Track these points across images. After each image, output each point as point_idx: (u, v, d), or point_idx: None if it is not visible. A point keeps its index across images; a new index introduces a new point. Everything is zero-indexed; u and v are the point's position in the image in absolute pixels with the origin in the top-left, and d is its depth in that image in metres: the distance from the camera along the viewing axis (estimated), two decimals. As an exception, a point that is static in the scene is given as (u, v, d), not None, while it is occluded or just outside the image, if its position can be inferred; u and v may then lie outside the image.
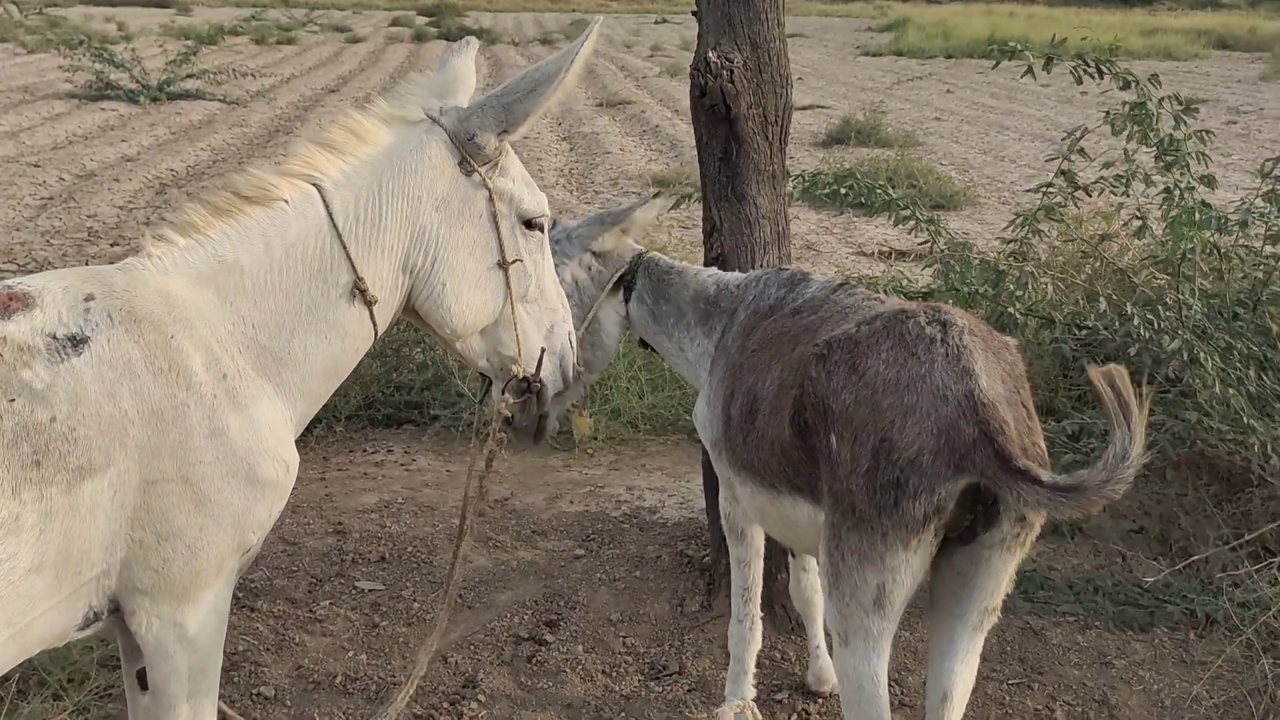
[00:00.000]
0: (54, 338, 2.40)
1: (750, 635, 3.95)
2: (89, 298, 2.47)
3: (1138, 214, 5.81)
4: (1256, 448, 4.68)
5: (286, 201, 2.69)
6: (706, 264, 4.56)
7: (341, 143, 2.78)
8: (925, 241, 6.26)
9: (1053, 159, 5.95)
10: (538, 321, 3.02)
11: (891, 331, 2.92)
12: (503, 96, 2.84)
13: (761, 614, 4.00)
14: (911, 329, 2.89)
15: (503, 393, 3.04)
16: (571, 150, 17.67)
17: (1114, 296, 5.61)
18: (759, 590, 3.99)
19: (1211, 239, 5.29)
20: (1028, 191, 6.94)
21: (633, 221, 4.10)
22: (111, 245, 10.93)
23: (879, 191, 6.29)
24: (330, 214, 2.70)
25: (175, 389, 2.47)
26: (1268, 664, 4.18)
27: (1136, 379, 5.43)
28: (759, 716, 3.75)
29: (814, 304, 3.47)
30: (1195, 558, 4.75)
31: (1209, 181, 5.38)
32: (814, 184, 6.38)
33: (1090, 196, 6.05)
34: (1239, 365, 4.98)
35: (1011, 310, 5.67)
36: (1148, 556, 5.11)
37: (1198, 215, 5.15)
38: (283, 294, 2.66)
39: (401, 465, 6.33)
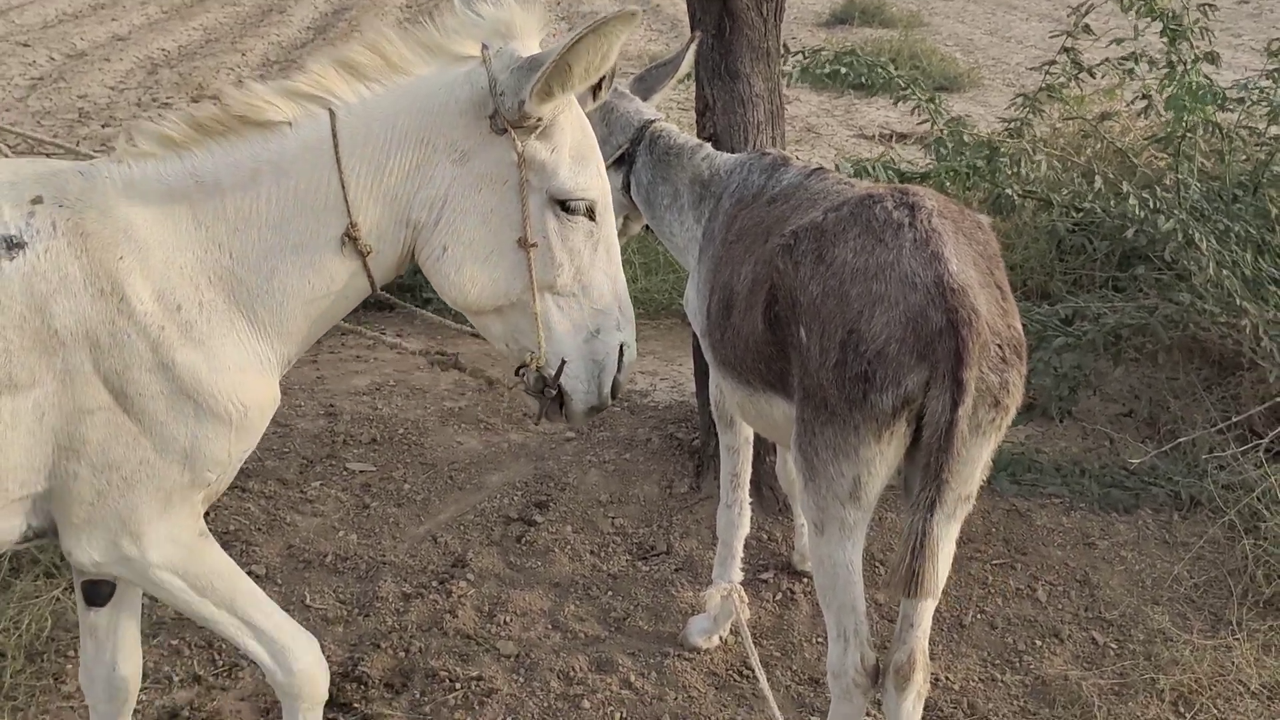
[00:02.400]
0: None
1: (738, 520, 3.97)
2: (36, 199, 2.30)
3: (1142, 93, 5.70)
4: (1249, 330, 4.65)
5: (289, 124, 2.40)
6: (698, 145, 4.48)
7: (366, 65, 2.43)
8: (924, 121, 6.16)
9: (1057, 36, 5.82)
10: (574, 320, 2.57)
11: (859, 218, 2.82)
12: (533, 60, 2.39)
13: (750, 498, 4.02)
14: (879, 214, 2.79)
15: (517, 373, 2.63)
16: (570, 29, 17.28)
17: (1111, 176, 5.52)
18: (747, 476, 3.99)
19: (1212, 117, 5.19)
20: (1031, 70, 6.77)
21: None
22: (103, 126, 10.79)
23: (879, 70, 6.18)
24: (336, 145, 2.39)
25: (116, 315, 2.29)
26: (1249, 545, 4.22)
27: (1131, 262, 5.40)
28: (745, 599, 3.80)
29: (788, 191, 3.37)
30: (1182, 440, 4.77)
31: (1212, 58, 5.27)
32: (814, 62, 6.26)
33: (1095, 78, 5.93)
34: (1236, 248, 4.93)
35: (1009, 191, 5.60)
36: (1135, 440, 5.12)
37: (1197, 91, 5.04)
38: (269, 226, 2.41)
39: (394, 349, 6.33)
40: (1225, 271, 4.74)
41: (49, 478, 2.34)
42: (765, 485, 4.60)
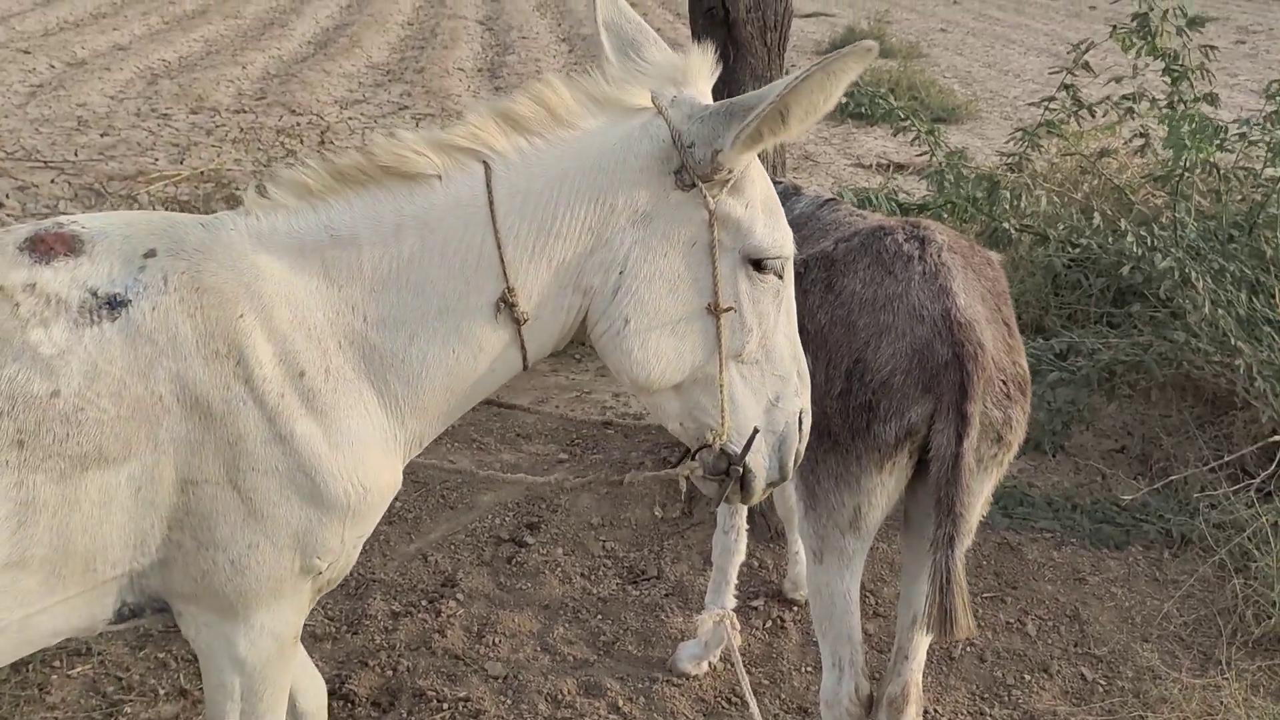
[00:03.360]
0: (93, 294, 2.01)
1: (734, 546, 3.97)
2: (150, 253, 2.06)
3: (1140, 131, 5.74)
4: (1242, 370, 4.67)
5: (439, 178, 2.17)
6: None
7: (528, 118, 2.19)
8: (924, 153, 6.19)
9: (1056, 73, 5.86)
10: (755, 389, 2.30)
11: (869, 249, 2.83)
12: (732, 106, 2.14)
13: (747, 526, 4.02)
14: (889, 246, 2.81)
15: (692, 456, 2.35)
16: (570, 51, 17.39)
17: (1109, 212, 5.56)
18: None
19: (1210, 156, 5.23)
20: (1030, 105, 6.83)
21: None
22: (101, 135, 10.78)
23: (880, 101, 6.21)
24: (491, 202, 2.15)
25: (232, 380, 2.04)
26: (1239, 584, 4.22)
27: (1127, 299, 5.42)
28: (737, 626, 3.79)
29: (799, 221, 3.36)
30: (1174, 478, 4.78)
31: (1211, 99, 5.31)
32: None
33: (1094, 116, 5.97)
34: (1231, 287, 4.96)
35: (1006, 225, 5.63)
36: (1128, 476, 5.13)
37: (1198, 130, 5.07)
38: (410, 288, 2.16)
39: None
40: (1220, 311, 4.76)
41: (153, 550, 2.10)
42: (758, 512, 4.59)
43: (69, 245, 2.05)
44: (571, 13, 20.94)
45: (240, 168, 9.63)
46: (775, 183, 3.67)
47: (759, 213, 2.24)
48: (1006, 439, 2.78)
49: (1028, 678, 3.97)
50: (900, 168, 10.72)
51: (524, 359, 2.26)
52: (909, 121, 5.91)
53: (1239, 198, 5.70)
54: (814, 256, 2.94)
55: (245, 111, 12.12)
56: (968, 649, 4.10)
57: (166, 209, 7.86)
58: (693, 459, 2.34)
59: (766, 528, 4.62)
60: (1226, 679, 3.83)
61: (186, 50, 15.83)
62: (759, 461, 2.33)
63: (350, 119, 11.97)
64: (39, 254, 2.03)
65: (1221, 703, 3.74)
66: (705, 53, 2.28)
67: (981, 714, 3.80)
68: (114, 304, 2.01)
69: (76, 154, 10.00)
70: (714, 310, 2.21)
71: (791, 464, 2.38)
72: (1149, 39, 5.19)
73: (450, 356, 2.20)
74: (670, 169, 2.17)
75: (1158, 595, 4.40)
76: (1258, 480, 4.59)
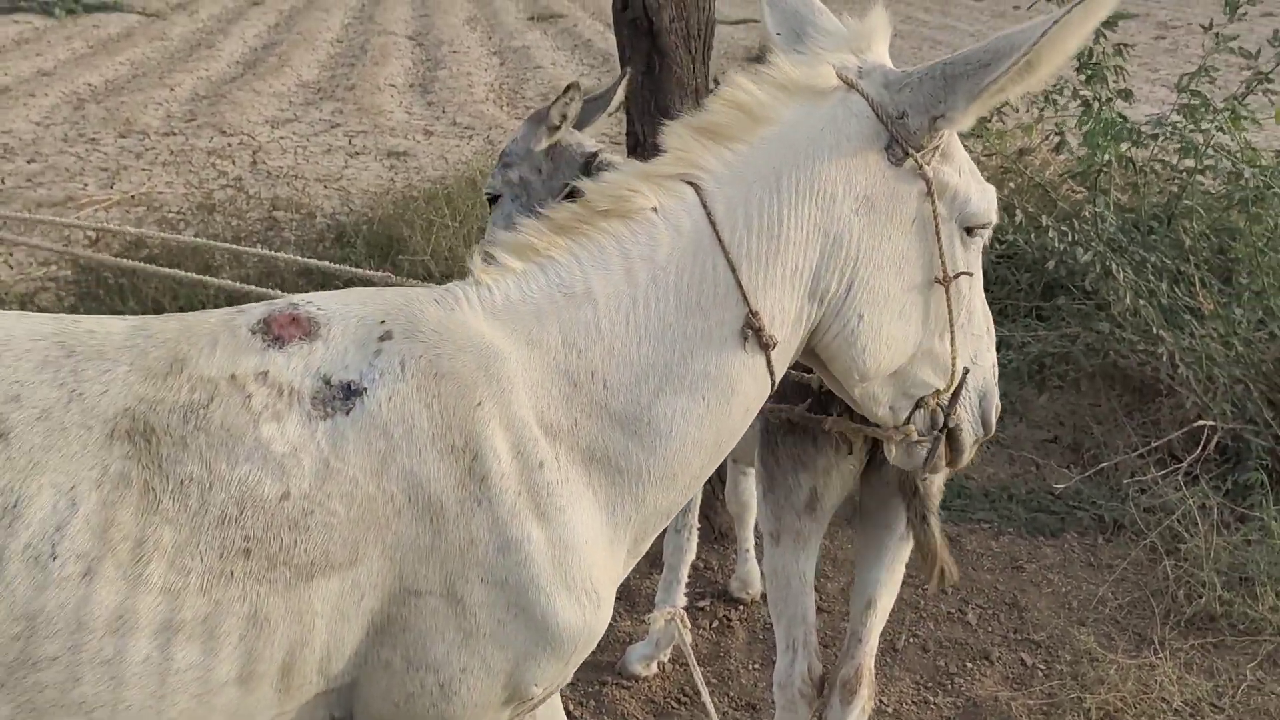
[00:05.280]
0: (326, 383, 1.83)
1: (687, 545, 4.04)
2: (385, 335, 1.88)
3: (1056, 129, 5.88)
4: (1165, 358, 4.81)
5: (654, 210, 1.98)
6: (630, 179, 4.54)
7: (727, 124, 2.02)
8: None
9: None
10: (961, 352, 2.18)
11: None
12: (950, 66, 1.99)
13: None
14: None
15: (907, 421, 2.22)
16: (502, 65, 17.41)
17: (1030, 209, 5.69)
18: (698, 502, 4.06)
19: (1127, 153, 5.38)
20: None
21: (549, 118, 3.86)
22: (29, 162, 10.65)
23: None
24: (713, 222, 1.97)
25: (467, 478, 1.84)
26: (1170, 566, 4.34)
27: (1054, 292, 5.55)
28: (687, 624, 3.84)
29: None
30: (1105, 465, 4.90)
31: (1126, 95, 5.45)
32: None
33: (1016, 111, 6.10)
34: (1152, 278, 5.10)
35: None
36: (1060, 465, 5.25)
37: (1111, 128, 5.22)
38: (650, 338, 1.96)
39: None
40: (1142, 301, 4.90)
41: (357, 666, 1.89)
42: (702, 515, 4.65)
43: (304, 329, 1.87)
44: (501, 25, 20.96)
45: (171, 190, 9.56)
46: None
47: (969, 178, 2.11)
48: None
49: (969, 665, 4.06)
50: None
51: (771, 385, 2.08)
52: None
53: (1157, 190, 5.86)
54: None
55: (175, 134, 12.02)
56: (911, 640, 4.18)
57: (98, 235, 7.79)
58: (906, 425, 2.22)
59: (711, 529, 4.68)
60: (1160, 659, 3.94)
61: (112, 74, 15.65)
62: (964, 418, 2.23)
63: (282, 138, 11.91)
64: (272, 338, 1.85)
65: (1156, 681, 3.85)
66: (881, 11, 2.13)
67: (926, 703, 3.88)
68: (349, 393, 1.82)
69: (3, 181, 9.87)
70: (943, 281, 2.07)
71: (994, 418, 2.30)
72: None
73: (700, 405, 2.00)
74: (880, 145, 2.02)
75: (1093, 580, 4.51)
76: (1185, 464, 4.73)
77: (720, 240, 1.97)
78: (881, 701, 3.86)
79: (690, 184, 2.00)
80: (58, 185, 9.83)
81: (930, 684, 3.97)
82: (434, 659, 1.87)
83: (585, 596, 1.93)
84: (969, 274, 2.13)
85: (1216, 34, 5.46)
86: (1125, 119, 5.42)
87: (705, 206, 1.98)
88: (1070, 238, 5.17)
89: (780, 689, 3.04)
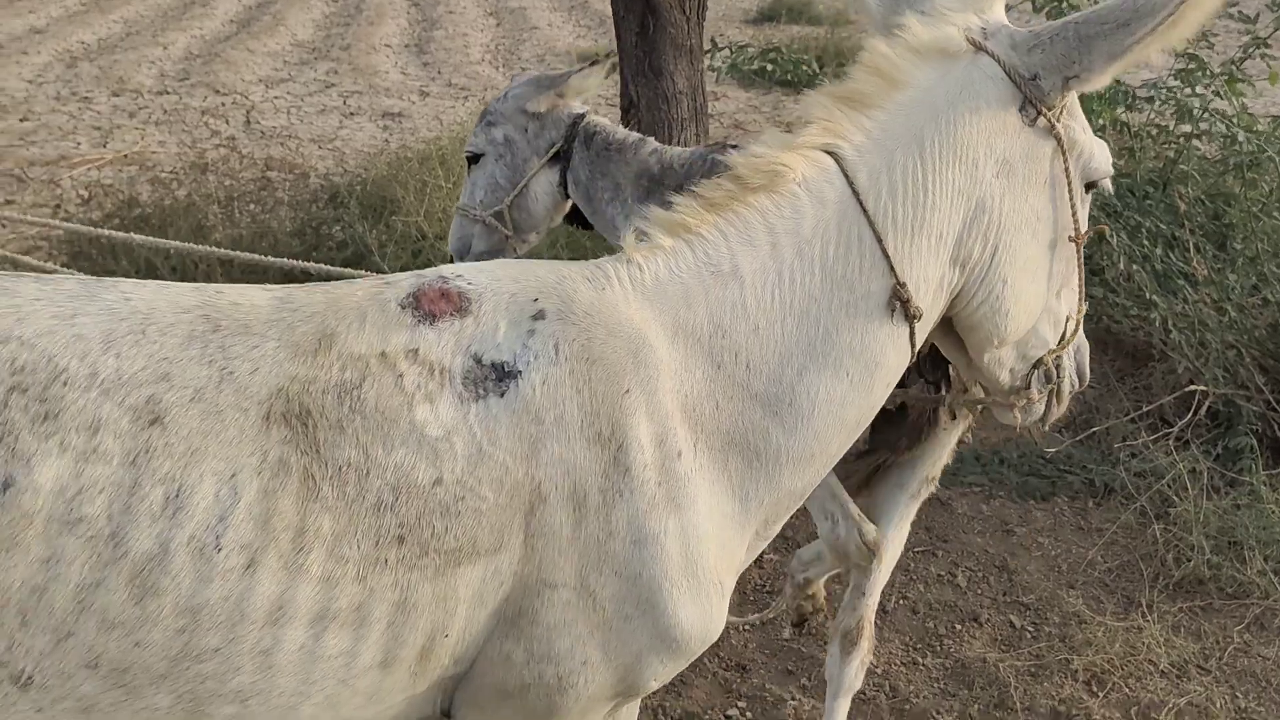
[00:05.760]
0: (478, 362, 1.78)
1: None
2: (538, 315, 1.83)
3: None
4: (1158, 323, 4.82)
5: (798, 183, 1.94)
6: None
7: (867, 92, 1.98)
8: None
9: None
10: (1076, 307, 2.17)
11: None
12: (1083, 26, 1.95)
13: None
14: None
15: (1026, 385, 2.17)
16: (499, 25, 17.30)
17: (1025, 174, 5.67)
18: None
19: (1122, 117, 5.36)
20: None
21: (569, 87, 3.81)
22: (21, 120, 10.58)
23: (804, 68, 6.27)
24: (856, 192, 1.93)
25: (611, 468, 1.79)
26: (1159, 530, 4.37)
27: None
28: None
29: None
30: (1096, 429, 4.92)
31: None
32: (739, 56, 6.33)
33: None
34: (1146, 243, 5.09)
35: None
36: (1052, 429, 5.26)
37: (1106, 92, 5.20)
38: (794, 314, 1.92)
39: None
40: (1136, 266, 4.89)
41: (479, 655, 1.86)
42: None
43: (455, 304, 1.83)
44: (498, -14, 20.79)
45: (165, 150, 9.51)
46: (723, 146, 3.62)
47: (1091, 135, 2.11)
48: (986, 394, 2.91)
49: (958, 627, 4.08)
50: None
51: (911, 360, 2.03)
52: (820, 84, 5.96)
53: (1152, 155, 5.84)
54: None
55: (168, 93, 11.95)
56: (901, 602, 4.21)
57: (91, 194, 7.76)
58: (1024, 388, 2.17)
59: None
60: (1148, 621, 3.97)
61: (106, 32, 15.54)
62: (1069, 369, 2.22)
63: (276, 98, 11.85)
64: (422, 313, 1.81)
65: (1143, 643, 3.88)
66: None
67: (915, 664, 3.91)
68: (502, 375, 1.78)
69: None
70: (1076, 239, 2.07)
71: (1087, 369, 2.30)
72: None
73: (844, 382, 1.95)
74: (1015, 106, 1.98)
75: (1083, 543, 4.53)
76: (1175, 429, 4.74)
77: (865, 210, 1.93)
78: (871, 662, 3.89)
79: (831, 154, 1.95)
80: (50, 144, 9.78)
81: (919, 645, 4.00)
82: (557, 651, 1.83)
83: (712, 591, 1.89)
84: (1103, 227, 2.11)
85: None
86: (1120, 83, 5.39)
87: (847, 176, 1.94)
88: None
89: (835, 551, 3.06)
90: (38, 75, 12.67)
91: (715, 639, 1.97)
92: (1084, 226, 2.09)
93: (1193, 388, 4.75)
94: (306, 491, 1.67)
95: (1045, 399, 2.20)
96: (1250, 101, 6.11)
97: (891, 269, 1.93)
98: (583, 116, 3.84)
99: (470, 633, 1.81)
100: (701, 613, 1.88)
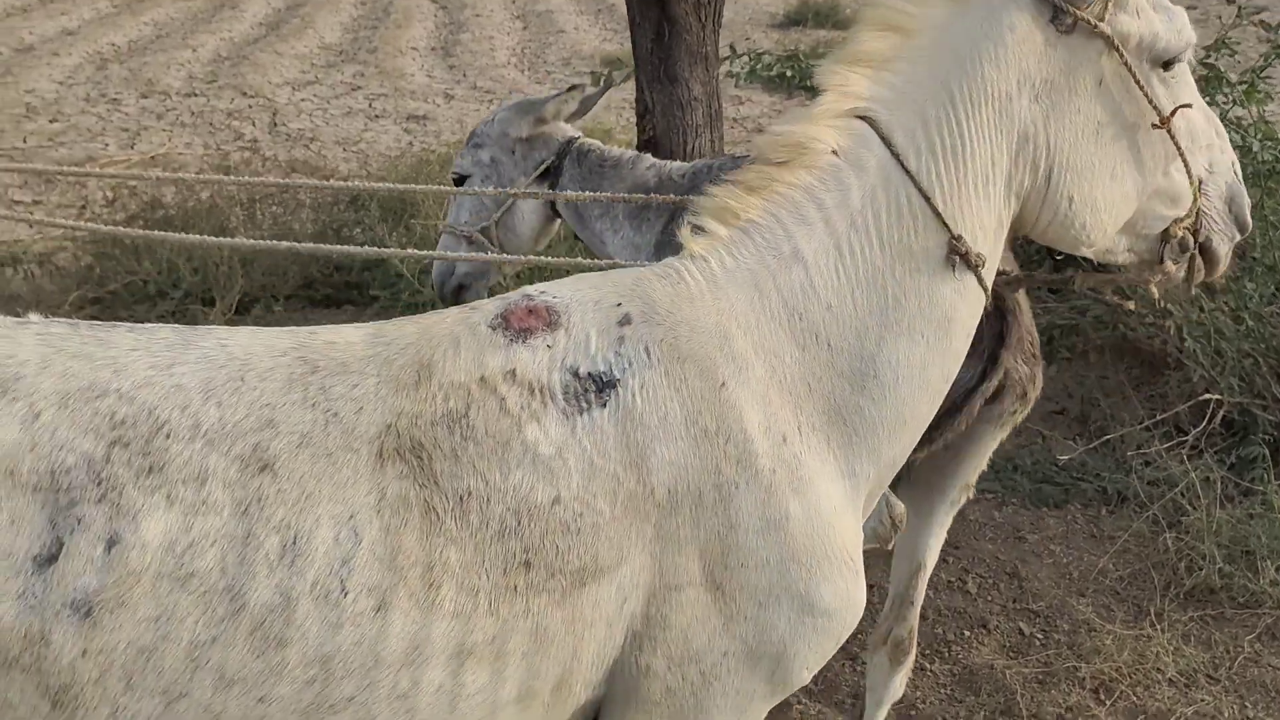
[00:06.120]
0: (575, 375, 1.77)
1: None
2: (624, 320, 1.82)
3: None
4: (1173, 331, 4.80)
5: (834, 153, 1.90)
6: (640, 147, 4.56)
7: (880, 48, 1.93)
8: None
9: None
10: (1192, 176, 2.08)
11: None
12: None
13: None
14: None
15: (1161, 260, 2.11)
16: (525, 29, 17.36)
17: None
18: None
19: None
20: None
21: (547, 111, 3.91)
22: (50, 121, 10.72)
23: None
24: (895, 153, 1.89)
25: (722, 461, 1.78)
26: (1170, 539, 4.35)
27: (1064, 265, 5.54)
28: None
29: None
30: (1110, 436, 4.91)
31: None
32: (757, 63, 6.36)
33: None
34: (1163, 251, 5.07)
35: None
36: (1066, 436, 5.25)
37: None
38: (861, 288, 1.90)
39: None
40: (1152, 273, 4.87)
41: (614, 675, 1.82)
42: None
43: (544, 319, 1.81)
44: (525, -11, 20.86)
45: (190, 151, 9.61)
46: (734, 158, 3.61)
47: (1150, 12, 1.98)
48: (1029, 395, 2.95)
49: (967, 633, 4.09)
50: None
51: (985, 298, 2.00)
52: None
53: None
54: None
55: (196, 95, 12.07)
56: (909, 608, 4.21)
57: (115, 195, 7.84)
58: (1159, 266, 2.12)
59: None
60: (1157, 630, 3.96)
61: (136, 34, 15.71)
62: (1216, 227, 2.13)
63: (302, 100, 11.95)
64: (514, 332, 1.79)
65: (1152, 651, 3.87)
66: None
67: (922, 669, 3.91)
68: (601, 386, 1.76)
69: (25, 140, 9.94)
70: (1161, 124, 1.97)
71: (1248, 215, 2.19)
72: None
73: (920, 345, 1.93)
74: (1045, 19, 1.91)
75: (1095, 551, 4.52)
76: (1189, 437, 4.73)
77: (907, 170, 1.89)
78: (877, 668, 3.90)
79: (862, 118, 1.90)
80: (79, 145, 9.90)
81: (927, 651, 4.00)
82: (695, 648, 1.80)
83: (845, 566, 1.86)
84: (1187, 105, 2.00)
85: (1239, 6, 5.40)
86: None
87: (883, 138, 1.90)
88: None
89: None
90: (68, 77, 12.82)
91: (859, 617, 1.94)
92: (1168, 106, 1.97)
93: (1207, 396, 4.74)
94: (430, 525, 1.65)
95: (1184, 266, 2.12)
96: (1271, 110, 6.08)
97: (944, 224, 1.90)
98: (576, 139, 3.90)
99: (601, 656, 1.78)
100: (838, 590, 1.85)
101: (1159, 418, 4.90)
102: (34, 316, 1.75)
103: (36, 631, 1.51)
